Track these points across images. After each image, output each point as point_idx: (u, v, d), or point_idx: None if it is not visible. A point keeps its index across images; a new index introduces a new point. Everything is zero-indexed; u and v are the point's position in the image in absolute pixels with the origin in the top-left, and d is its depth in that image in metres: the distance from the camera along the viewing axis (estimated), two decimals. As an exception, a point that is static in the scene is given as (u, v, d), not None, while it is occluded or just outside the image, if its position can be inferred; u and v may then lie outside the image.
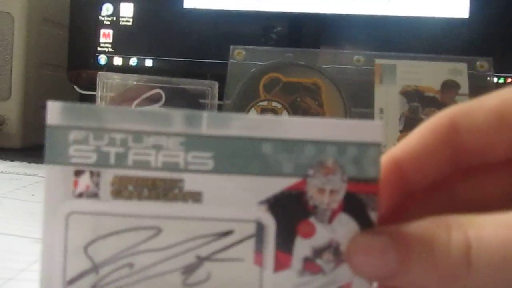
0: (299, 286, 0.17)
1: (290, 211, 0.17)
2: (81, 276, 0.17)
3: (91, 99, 0.53)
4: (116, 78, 0.42)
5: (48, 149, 0.16)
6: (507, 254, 0.13)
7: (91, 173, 0.16)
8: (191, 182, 0.16)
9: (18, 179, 0.44)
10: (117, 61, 0.57)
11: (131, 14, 0.57)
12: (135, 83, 0.42)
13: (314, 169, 0.17)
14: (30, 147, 0.61)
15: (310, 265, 0.17)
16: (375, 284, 0.17)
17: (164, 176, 0.16)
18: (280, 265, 0.17)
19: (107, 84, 0.42)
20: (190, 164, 0.16)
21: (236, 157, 0.16)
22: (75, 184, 0.16)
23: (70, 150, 0.16)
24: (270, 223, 0.17)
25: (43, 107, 0.61)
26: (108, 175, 0.16)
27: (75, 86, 0.59)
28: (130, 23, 0.57)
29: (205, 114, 0.16)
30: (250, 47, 0.45)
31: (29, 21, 0.60)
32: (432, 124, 0.17)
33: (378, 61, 0.44)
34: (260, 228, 0.17)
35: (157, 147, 0.16)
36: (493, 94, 0.17)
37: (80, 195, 0.16)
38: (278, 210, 0.17)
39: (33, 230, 0.30)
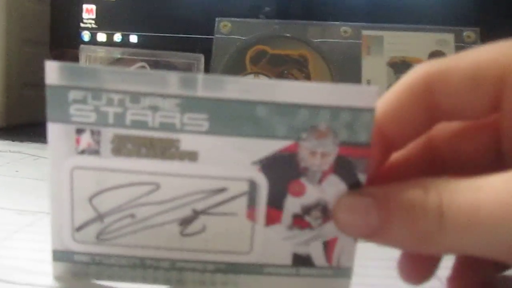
0: (288, 238, 0.18)
1: (282, 171, 0.17)
2: (87, 224, 0.18)
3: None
4: (100, 52, 0.42)
5: (49, 108, 0.17)
6: (473, 218, 0.14)
7: (92, 131, 0.17)
8: (187, 142, 0.17)
9: (2, 156, 0.44)
10: (101, 37, 0.56)
11: (114, -11, 0.55)
12: (119, 56, 0.41)
13: (307, 133, 0.17)
14: (14, 125, 0.60)
15: (299, 221, 0.18)
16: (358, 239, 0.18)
17: (161, 136, 0.17)
18: (271, 220, 0.18)
19: (90, 57, 0.41)
20: (186, 125, 0.17)
21: (230, 119, 0.17)
22: (77, 141, 0.17)
23: (70, 109, 0.17)
24: (262, 181, 0.18)
25: (26, 85, 0.60)
26: (108, 134, 0.17)
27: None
28: (114, -2, 0.56)
29: (200, 76, 0.16)
30: (236, 19, 0.44)
31: (9, -3, 0.59)
32: (407, 84, 0.17)
33: (365, 32, 0.44)
34: (253, 186, 0.18)
35: (154, 108, 0.17)
36: (468, 54, 0.17)
37: (83, 152, 0.17)
38: (270, 170, 0.17)
39: (17, 203, 0.30)
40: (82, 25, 0.56)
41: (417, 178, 0.16)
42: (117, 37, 0.55)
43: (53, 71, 0.16)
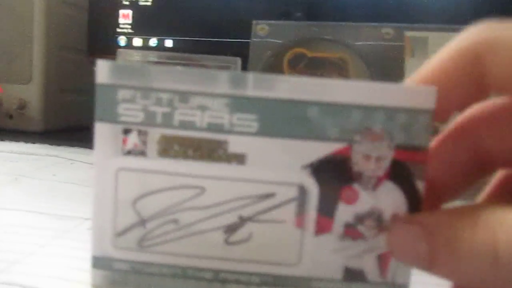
0: (339, 250, 0.17)
1: (334, 176, 0.16)
2: (129, 229, 0.17)
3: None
4: (136, 56, 0.41)
5: (97, 107, 0.17)
6: None
7: (139, 131, 0.16)
8: (235, 144, 0.16)
9: (40, 159, 0.44)
10: (137, 42, 0.56)
11: (150, -6, 0.55)
12: (155, 60, 0.41)
13: (360, 135, 0.16)
14: (52, 130, 0.61)
15: (351, 231, 0.17)
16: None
17: (209, 137, 0.16)
18: (321, 228, 0.17)
19: (127, 61, 0.41)
20: (234, 125, 0.16)
21: (280, 120, 0.16)
22: (124, 141, 0.17)
23: (118, 109, 0.16)
24: (312, 187, 0.17)
25: (64, 91, 0.60)
26: (155, 134, 0.16)
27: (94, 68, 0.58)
28: (150, 3, 0.56)
29: (250, 75, 0.16)
30: (273, 22, 0.43)
31: (48, 4, 0.60)
32: (454, 51, 0.16)
33: (408, 33, 0.42)
34: (303, 192, 0.17)
35: (203, 108, 0.16)
36: None
37: (129, 153, 0.17)
38: (322, 175, 0.16)
39: (53, 207, 0.29)
40: (118, 30, 0.56)
41: (468, 205, 0.15)
42: (153, 41, 0.56)
43: (103, 70, 0.16)
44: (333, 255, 0.17)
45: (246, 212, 0.17)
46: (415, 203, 0.16)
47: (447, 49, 0.16)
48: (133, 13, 0.56)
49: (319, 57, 0.42)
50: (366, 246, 0.17)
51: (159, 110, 0.16)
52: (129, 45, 0.56)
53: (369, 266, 0.17)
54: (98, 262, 0.18)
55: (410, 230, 0.15)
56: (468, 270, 0.14)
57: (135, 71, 0.16)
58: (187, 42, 0.55)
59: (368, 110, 0.16)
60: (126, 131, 0.17)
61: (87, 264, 0.21)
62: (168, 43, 0.55)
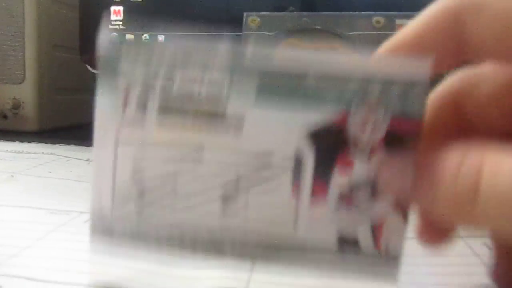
0: (333, 219, 0.17)
1: (330, 145, 0.17)
2: (128, 200, 0.18)
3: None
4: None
5: (99, 78, 0.17)
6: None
7: (138, 102, 0.17)
8: (233, 113, 0.17)
9: (35, 158, 0.44)
10: (129, 38, 0.56)
11: (141, -10, 0.55)
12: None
13: (356, 105, 0.16)
14: (47, 130, 0.61)
15: (346, 200, 0.17)
16: (408, 222, 0.17)
17: (207, 106, 0.17)
18: (316, 197, 0.17)
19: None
20: (233, 95, 0.16)
21: (279, 90, 0.16)
22: (124, 112, 0.17)
23: (119, 80, 0.17)
24: (309, 155, 0.17)
25: (58, 89, 0.60)
26: (154, 105, 0.17)
27: (88, 67, 0.58)
28: (141, -1, 0.55)
29: (250, 47, 0.16)
30: (265, 13, 0.44)
31: (39, 3, 0.59)
32: (435, 12, 0.16)
33: (399, 21, 0.42)
34: (299, 160, 0.17)
35: (202, 78, 0.16)
36: None
37: (128, 123, 0.17)
38: (318, 144, 0.17)
39: (50, 202, 0.29)
40: (110, 27, 0.56)
41: (455, 142, 0.15)
42: (145, 37, 0.55)
43: (105, 41, 0.17)
44: (328, 224, 0.17)
45: (243, 181, 0.17)
46: (408, 172, 0.17)
47: (428, 10, 0.16)
48: (124, 9, 0.56)
49: (312, 47, 0.42)
50: (360, 216, 0.17)
51: (159, 80, 0.17)
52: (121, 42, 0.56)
53: (363, 236, 0.17)
54: (98, 232, 0.18)
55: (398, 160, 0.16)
56: (449, 198, 0.14)
57: (137, 42, 0.17)
58: (179, 37, 0.55)
59: (365, 80, 0.16)
60: (126, 102, 0.17)
61: (84, 255, 0.21)
62: (160, 38, 0.55)
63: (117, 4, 0.56)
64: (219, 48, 0.16)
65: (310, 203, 0.17)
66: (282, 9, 0.52)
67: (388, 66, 0.16)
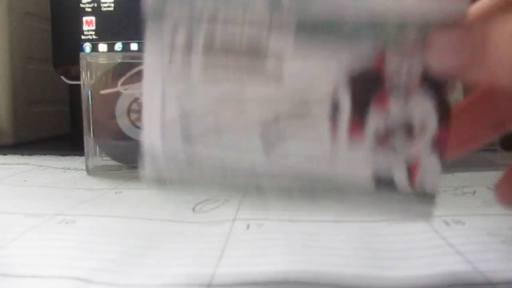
0: (370, 158, 0.18)
1: (367, 88, 0.17)
2: (176, 137, 0.18)
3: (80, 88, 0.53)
4: (101, 57, 0.42)
5: (146, 21, 0.17)
6: None
7: (184, 43, 0.17)
8: (273, 53, 0.17)
9: (11, 168, 0.44)
10: (102, 47, 0.57)
11: (112, -1, 0.56)
12: (120, 61, 0.41)
13: (394, 48, 0.16)
14: (23, 143, 0.61)
15: (383, 140, 0.17)
16: (442, 162, 0.17)
17: (249, 47, 0.17)
18: (354, 137, 0.17)
19: (91, 64, 0.41)
20: (273, 35, 0.17)
21: (316, 34, 0.17)
22: (171, 53, 0.17)
23: (165, 23, 0.17)
24: (346, 98, 0.17)
25: (32, 102, 0.60)
26: (199, 46, 0.17)
27: (62, 77, 0.59)
28: (112, 8, 0.56)
29: None
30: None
31: (10, 16, 0.60)
32: None
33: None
34: (336, 100, 0.17)
35: (243, 18, 0.17)
36: None
37: (175, 65, 0.17)
38: (356, 86, 0.17)
39: (24, 207, 0.30)
40: (83, 37, 0.57)
41: None
42: (118, 46, 0.56)
43: None
44: (365, 163, 0.18)
45: (283, 118, 0.17)
46: (444, 114, 0.17)
47: None
48: (97, 19, 0.56)
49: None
50: (396, 155, 0.17)
51: (203, 22, 0.17)
52: (94, 51, 0.56)
53: (398, 175, 0.18)
54: (148, 157, 0.18)
55: (452, 32, 0.15)
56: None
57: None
58: (152, 45, 0.56)
59: (402, 23, 0.16)
60: (172, 48, 0.17)
61: (60, 251, 0.22)
62: (133, 46, 0.56)
63: (89, 14, 0.57)
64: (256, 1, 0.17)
65: (347, 142, 0.17)
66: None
67: (425, 8, 0.16)
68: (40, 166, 0.45)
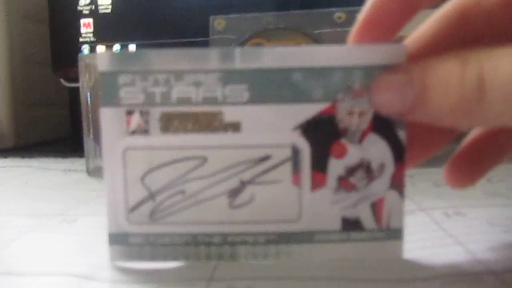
0: (335, 202, 0.18)
1: (323, 134, 0.18)
2: (140, 203, 0.19)
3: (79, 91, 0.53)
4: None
5: (102, 94, 0.18)
6: None
7: (141, 112, 0.18)
8: (229, 114, 0.18)
9: (12, 171, 0.44)
10: (100, 49, 0.57)
11: (109, 1, 0.56)
12: (118, 62, 0.41)
13: (342, 94, 0.17)
14: (23, 145, 0.61)
15: (344, 183, 0.18)
16: (404, 196, 0.18)
17: (205, 109, 0.18)
18: (317, 184, 0.18)
19: (90, 66, 0.41)
20: (227, 97, 0.18)
21: (269, 87, 0.17)
22: (128, 122, 0.18)
23: (120, 93, 0.18)
24: (304, 146, 0.18)
25: (32, 105, 0.60)
26: (155, 113, 0.18)
27: (61, 80, 0.59)
28: (110, 10, 0.56)
29: (238, 50, 0.17)
30: (230, 15, 0.45)
31: (9, 20, 0.60)
32: (441, 16, 0.18)
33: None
34: (296, 152, 0.18)
35: (197, 84, 0.18)
36: None
37: (133, 132, 0.18)
38: (311, 134, 0.18)
39: (25, 208, 0.30)
40: (81, 39, 0.57)
41: (454, 50, 0.15)
42: (116, 47, 0.56)
43: (104, 59, 0.18)
44: (330, 207, 0.18)
45: (246, 176, 0.18)
46: (398, 150, 0.18)
47: (436, 15, 0.18)
48: (94, 21, 0.56)
49: (277, 45, 0.44)
50: (359, 196, 0.18)
51: (158, 90, 0.18)
52: (92, 53, 0.57)
53: (364, 214, 0.18)
54: (114, 239, 0.19)
55: (396, 78, 0.16)
56: (457, 103, 0.15)
57: (133, 56, 0.18)
58: (150, 46, 0.56)
59: (348, 70, 0.17)
60: (129, 113, 0.18)
61: (61, 250, 0.22)
62: (132, 48, 0.56)
63: (87, 16, 0.57)
64: (211, 53, 0.17)
65: (311, 190, 0.18)
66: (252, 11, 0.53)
67: (368, 54, 0.17)
68: (41, 168, 0.45)
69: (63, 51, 0.59)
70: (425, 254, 0.20)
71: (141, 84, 0.18)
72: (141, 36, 0.56)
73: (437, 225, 0.23)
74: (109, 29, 0.56)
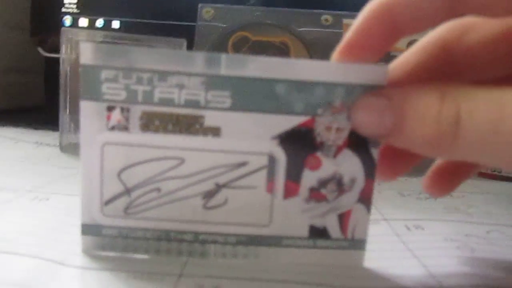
0: (305, 211, 0.19)
1: (300, 145, 0.18)
2: (115, 198, 0.19)
3: (56, 61, 0.52)
4: (82, 35, 0.41)
5: (83, 87, 0.18)
6: (494, 130, 0.14)
7: (122, 108, 0.18)
8: (210, 118, 0.18)
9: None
10: (83, 22, 0.56)
11: (96, -27, 0.55)
12: (101, 40, 0.41)
13: (323, 109, 0.18)
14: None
15: (315, 194, 0.19)
16: (370, 210, 0.19)
17: (186, 112, 0.18)
18: (289, 192, 0.19)
19: (72, 40, 0.41)
20: (210, 101, 0.18)
21: (251, 96, 0.18)
22: (108, 118, 0.18)
23: (102, 88, 0.18)
24: (281, 156, 0.19)
25: (8, 71, 0.58)
26: (137, 111, 0.18)
27: (39, 49, 0.57)
28: (96, -17, 0.55)
29: (223, 56, 0.17)
30: (219, 5, 0.45)
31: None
32: (423, 46, 0.19)
33: (346, 21, 0.44)
34: (272, 160, 0.19)
35: (180, 86, 0.18)
36: None
37: (113, 128, 0.18)
38: (289, 145, 0.18)
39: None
40: (63, 10, 0.56)
41: (435, 82, 0.16)
42: (99, 22, 0.55)
43: (87, 52, 0.17)
44: (300, 215, 0.19)
45: (222, 179, 0.19)
46: (370, 167, 0.19)
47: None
48: (79, -7, 0.55)
49: (262, 40, 0.44)
50: (328, 207, 0.19)
51: (140, 88, 0.18)
52: (74, 25, 0.55)
53: (331, 224, 0.19)
54: (87, 229, 0.19)
55: (376, 101, 0.17)
56: (431, 141, 0.15)
57: (117, 52, 0.17)
58: (134, 24, 0.55)
59: (330, 86, 0.18)
60: (110, 108, 0.18)
61: (32, 230, 0.22)
62: (115, 24, 0.55)
63: (71, -14, 0.55)
64: (196, 57, 0.17)
65: (283, 198, 0.19)
66: (243, 1, 0.53)
67: (350, 72, 0.17)
68: (12, 138, 0.44)
69: (42, 18, 0.57)
70: (384, 265, 0.21)
71: (123, 81, 0.18)
72: (125, 13, 0.55)
73: (398, 237, 0.24)
74: (93, 2, 0.55)
